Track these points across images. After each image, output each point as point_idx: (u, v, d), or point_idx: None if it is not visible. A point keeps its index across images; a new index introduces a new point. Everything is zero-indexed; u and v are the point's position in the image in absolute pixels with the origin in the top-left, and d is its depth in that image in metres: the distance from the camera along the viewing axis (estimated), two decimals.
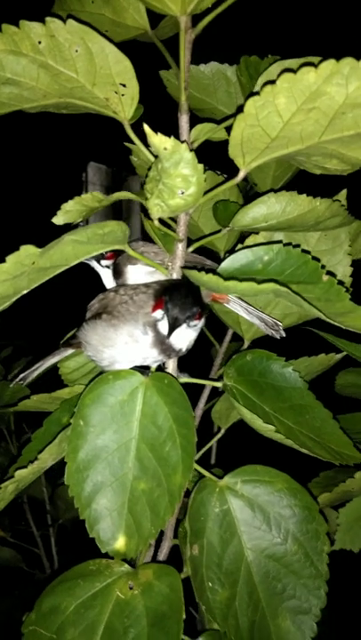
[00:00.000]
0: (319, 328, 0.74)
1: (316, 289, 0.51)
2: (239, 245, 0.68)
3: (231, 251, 0.68)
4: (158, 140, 0.49)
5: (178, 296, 0.51)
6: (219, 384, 0.62)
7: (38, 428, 1.09)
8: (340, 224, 0.65)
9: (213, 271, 0.59)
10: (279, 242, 0.56)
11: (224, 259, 0.70)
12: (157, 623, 0.48)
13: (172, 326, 0.51)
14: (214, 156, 0.64)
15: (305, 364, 0.71)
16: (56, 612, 0.52)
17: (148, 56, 0.70)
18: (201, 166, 0.51)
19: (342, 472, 0.82)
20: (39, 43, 0.51)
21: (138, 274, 0.61)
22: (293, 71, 0.44)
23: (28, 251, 0.47)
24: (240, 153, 0.53)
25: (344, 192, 0.70)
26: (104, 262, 0.62)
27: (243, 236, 0.70)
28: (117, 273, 0.62)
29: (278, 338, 0.68)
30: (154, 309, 0.53)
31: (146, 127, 0.48)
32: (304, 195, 0.59)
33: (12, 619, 1.10)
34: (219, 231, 0.64)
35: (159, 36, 0.67)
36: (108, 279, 0.63)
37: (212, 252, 0.78)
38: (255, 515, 0.55)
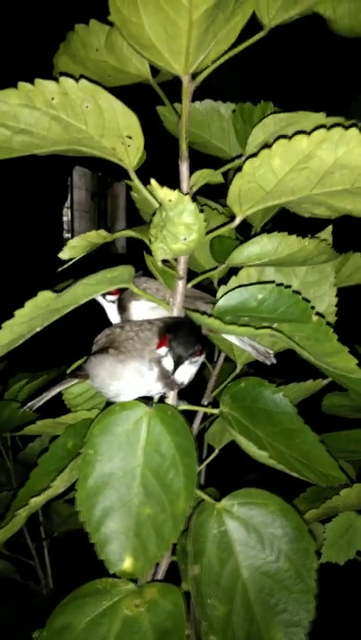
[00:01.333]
0: None
1: (307, 328, 0.56)
2: (233, 278, 0.72)
3: (224, 280, 0.73)
4: (164, 193, 0.53)
5: (181, 334, 0.56)
6: (215, 411, 0.67)
7: (31, 442, 1.12)
8: (327, 260, 0.69)
9: (213, 305, 0.64)
10: (272, 282, 0.61)
11: (218, 286, 0.74)
12: (162, 638, 0.52)
13: (177, 363, 0.55)
14: None
15: (294, 389, 0.75)
16: (67, 630, 0.55)
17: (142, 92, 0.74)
18: (202, 216, 0.55)
19: (328, 488, 0.88)
20: (52, 99, 0.55)
21: (141, 309, 0.65)
22: (288, 137, 0.49)
23: (45, 296, 0.51)
24: (237, 203, 0.57)
25: (330, 228, 0.75)
26: (109, 297, 0.66)
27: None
28: (122, 308, 0.66)
29: (269, 364, 0.73)
30: (158, 346, 0.57)
31: (153, 182, 0.53)
32: (294, 235, 0.64)
33: (11, 627, 1.13)
34: (215, 267, 0.68)
35: (158, 80, 0.71)
36: (112, 313, 0.67)
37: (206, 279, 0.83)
38: (250, 535, 0.59)
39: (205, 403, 0.84)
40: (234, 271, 0.72)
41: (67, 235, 5.80)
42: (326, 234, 0.74)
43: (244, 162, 0.51)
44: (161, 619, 0.54)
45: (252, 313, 0.60)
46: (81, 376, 0.63)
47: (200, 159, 0.73)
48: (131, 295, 0.65)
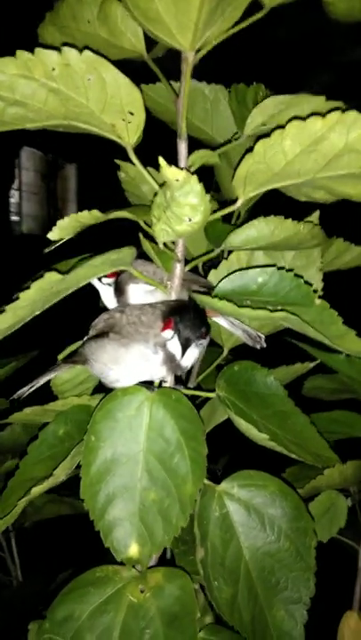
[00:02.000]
0: (292, 338, 0.80)
1: (311, 311, 0.56)
2: (223, 262, 0.72)
3: (214, 264, 0.73)
4: (172, 173, 0.52)
5: (187, 317, 0.55)
6: (212, 395, 0.66)
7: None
8: (317, 245, 0.70)
9: (209, 292, 0.63)
10: (272, 265, 0.61)
11: (208, 270, 0.74)
12: (171, 623, 0.52)
13: (185, 346, 0.55)
14: None
15: (283, 372, 0.76)
16: (70, 620, 0.54)
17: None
18: (208, 197, 0.54)
19: (306, 468, 0.90)
20: (53, 70, 0.52)
21: (139, 292, 0.63)
22: (302, 118, 0.49)
23: (50, 277, 0.49)
24: (242, 184, 0.57)
25: (317, 213, 0.75)
26: (106, 280, 0.64)
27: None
28: (119, 291, 0.64)
29: (259, 348, 0.73)
30: (163, 329, 0.56)
31: (162, 161, 0.51)
32: (289, 220, 0.64)
33: None
34: (212, 250, 0.67)
35: (151, 56, 0.69)
36: (108, 296, 0.65)
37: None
38: (251, 516, 0.60)
39: (190, 387, 0.84)
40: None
41: (14, 217, 5.61)
42: (314, 218, 0.75)
43: (255, 143, 0.51)
44: (168, 603, 0.53)
45: (252, 296, 0.60)
46: (77, 362, 0.61)
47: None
48: (129, 278, 0.64)
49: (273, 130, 0.50)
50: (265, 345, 0.73)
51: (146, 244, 0.63)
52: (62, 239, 0.60)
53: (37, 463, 0.65)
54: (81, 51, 0.51)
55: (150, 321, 0.57)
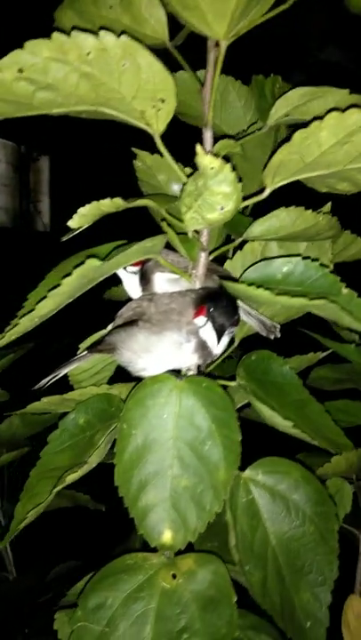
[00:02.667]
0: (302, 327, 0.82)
1: (338, 300, 0.57)
2: (238, 252, 0.72)
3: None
4: (208, 161, 0.52)
5: (220, 304, 0.55)
6: (233, 383, 0.67)
7: None
8: (333, 235, 0.72)
9: (233, 279, 0.64)
10: (297, 255, 0.62)
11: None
12: (208, 607, 0.52)
13: (220, 333, 0.55)
14: None
15: (297, 361, 0.78)
16: (103, 608, 0.54)
17: None
18: (240, 185, 0.55)
19: (311, 456, 0.92)
20: (88, 54, 0.52)
21: (163, 281, 0.63)
22: (341, 110, 0.49)
23: (90, 264, 0.49)
24: (272, 174, 0.57)
25: (329, 205, 0.77)
26: (131, 269, 0.64)
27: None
28: (144, 279, 0.64)
29: (272, 338, 0.74)
30: (195, 316, 0.56)
31: (199, 148, 0.51)
32: (310, 210, 0.65)
33: None
34: (232, 240, 0.68)
35: (173, 44, 0.69)
36: (133, 285, 0.65)
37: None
38: (276, 502, 0.61)
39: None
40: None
41: None
42: (326, 209, 0.76)
43: (293, 134, 0.51)
44: (202, 588, 0.54)
45: (278, 286, 0.61)
46: (104, 350, 0.60)
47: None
48: (155, 266, 0.63)
49: (309, 121, 0.50)
50: (279, 335, 0.74)
51: (170, 233, 0.63)
52: (81, 227, 0.60)
53: (59, 452, 0.64)
54: (118, 35, 0.51)
55: (182, 309, 0.57)
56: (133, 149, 0.73)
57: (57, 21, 0.70)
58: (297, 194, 0.67)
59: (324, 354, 0.80)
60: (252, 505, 0.60)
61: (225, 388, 0.72)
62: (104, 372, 0.73)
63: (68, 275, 0.48)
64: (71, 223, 0.58)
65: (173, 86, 0.55)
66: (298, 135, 0.51)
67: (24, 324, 0.50)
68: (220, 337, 0.56)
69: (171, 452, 0.56)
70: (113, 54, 0.52)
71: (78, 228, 0.60)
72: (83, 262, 0.48)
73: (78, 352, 0.66)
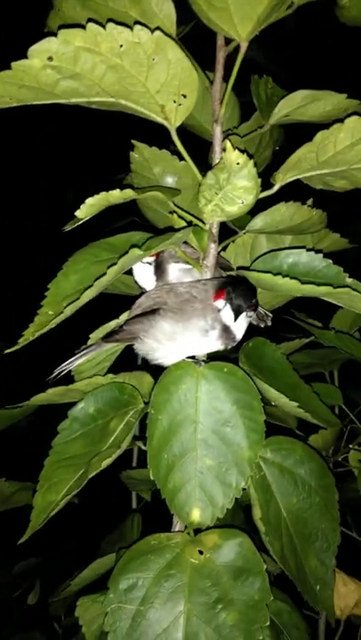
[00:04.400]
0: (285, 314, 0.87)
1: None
2: (231, 245, 0.76)
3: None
4: (235, 156, 0.54)
5: (239, 287, 0.58)
6: None
7: None
8: (321, 229, 0.77)
9: (231, 270, 0.67)
10: (302, 247, 0.66)
11: None
12: (239, 577, 0.56)
13: (237, 312, 0.58)
14: None
15: (285, 347, 0.82)
16: (135, 588, 0.56)
17: None
18: (260, 180, 0.58)
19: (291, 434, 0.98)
20: (120, 46, 0.52)
21: (177, 271, 0.65)
22: (360, 114, 0.54)
23: (134, 253, 0.50)
24: (286, 170, 0.61)
25: (310, 200, 0.82)
26: (146, 259, 0.65)
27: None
28: (159, 270, 0.65)
29: (263, 327, 0.79)
30: (214, 299, 0.59)
31: (228, 144, 0.54)
32: (305, 205, 0.70)
33: None
34: (235, 232, 0.71)
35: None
36: (146, 275, 0.66)
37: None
38: (284, 477, 0.65)
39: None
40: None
41: None
42: (308, 203, 0.81)
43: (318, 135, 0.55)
44: (230, 560, 0.57)
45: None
46: (122, 339, 0.61)
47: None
48: (170, 257, 0.65)
49: (333, 122, 0.54)
50: (270, 324, 0.79)
51: (182, 225, 0.65)
52: (86, 217, 0.61)
53: (71, 441, 0.64)
54: (152, 30, 0.52)
55: (204, 297, 0.59)
56: (133, 141, 0.74)
57: (57, 9, 0.69)
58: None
59: (307, 340, 0.86)
60: (265, 480, 0.64)
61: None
62: (105, 363, 0.73)
63: (114, 264, 0.49)
64: (78, 213, 0.59)
65: (197, 83, 0.57)
66: (320, 135, 0.55)
67: (66, 312, 0.51)
68: (237, 316, 0.59)
69: (194, 435, 0.58)
70: (146, 48, 0.53)
71: (83, 218, 0.60)
72: (127, 252, 0.49)
73: (89, 342, 0.67)
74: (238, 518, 0.77)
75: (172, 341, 0.59)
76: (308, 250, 0.66)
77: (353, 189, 0.69)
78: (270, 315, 0.77)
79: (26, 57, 0.51)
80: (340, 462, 1.00)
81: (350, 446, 0.94)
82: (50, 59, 0.52)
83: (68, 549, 1.43)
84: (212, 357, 0.69)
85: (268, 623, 0.53)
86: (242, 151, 0.55)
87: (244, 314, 0.60)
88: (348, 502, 1.07)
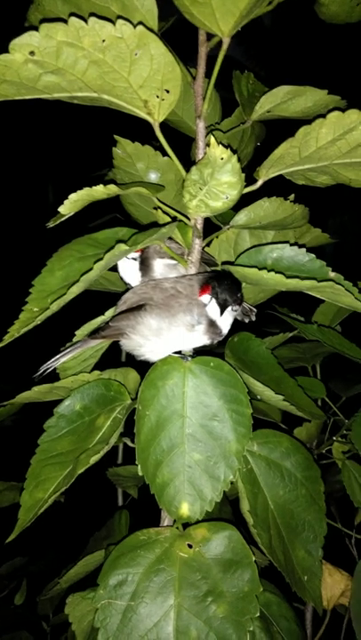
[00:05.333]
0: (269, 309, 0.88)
1: (343, 283, 0.63)
2: (215, 240, 0.76)
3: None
4: (220, 151, 0.55)
5: (223, 282, 0.59)
6: None
7: None
8: (303, 224, 0.78)
9: (230, 264, 0.67)
10: (286, 242, 0.67)
11: None
12: (228, 569, 0.56)
13: (223, 306, 0.58)
14: None
15: (269, 341, 0.83)
16: (125, 584, 0.56)
17: None
18: (243, 175, 0.58)
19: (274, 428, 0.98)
20: (103, 41, 0.52)
21: (163, 266, 0.65)
22: (342, 110, 0.55)
23: (121, 248, 0.50)
24: (269, 166, 0.61)
25: (292, 196, 0.83)
26: (131, 255, 0.65)
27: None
28: (144, 265, 0.65)
29: (247, 322, 0.79)
30: (201, 294, 0.59)
31: (212, 139, 0.54)
32: (288, 201, 0.70)
33: None
34: (219, 228, 0.71)
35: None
36: (131, 271, 0.66)
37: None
38: (271, 469, 0.66)
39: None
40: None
41: None
42: (290, 199, 0.82)
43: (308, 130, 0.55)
44: (219, 552, 0.57)
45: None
46: (109, 336, 0.61)
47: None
48: (156, 253, 0.65)
49: (315, 118, 0.55)
50: (254, 319, 0.79)
51: (166, 221, 0.65)
52: (70, 213, 0.60)
53: (58, 439, 0.64)
54: (135, 25, 0.52)
55: (189, 292, 0.60)
56: (115, 136, 0.74)
57: (37, 4, 0.68)
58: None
59: (291, 334, 0.87)
60: (252, 473, 0.65)
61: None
62: (91, 359, 0.73)
63: (100, 259, 0.49)
64: (62, 209, 0.59)
65: (180, 78, 0.57)
66: (302, 130, 0.56)
67: (52, 308, 0.50)
68: (223, 311, 0.59)
69: (182, 430, 0.59)
70: (128, 43, 0.53)
71: (66, 214, 0.60)
72: (113, 247, 0.49)
73: (75, 339, 0.66)
74: (225, 511, 0.77)
75: (159, 337, 0.59)
76: (292, 244, 0.66)
77: (333, 185, 0.70)
78: (255, 310, 0.78)
79: (7, 51, 0.51)
80: (323, 454, 1.01)
81: (334, 438, 0.95)
82: (32, 53, 0.52)
83: (54, 548, 1.43)
84: (199, 352, 0.69)
85: (259, 614, 0.53)
86: (225, 146, 0.55)
87: (229, 308, 0.60)
88: (331, 494, 1.09)
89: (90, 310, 0.71)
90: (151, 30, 0.54)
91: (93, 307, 0.71)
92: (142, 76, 0.56)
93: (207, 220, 0.70)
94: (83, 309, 0.71)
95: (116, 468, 0.92)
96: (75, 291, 0.50)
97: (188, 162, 0.68)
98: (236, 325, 0.80)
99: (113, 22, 0.52)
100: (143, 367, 0.68)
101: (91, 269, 0.49)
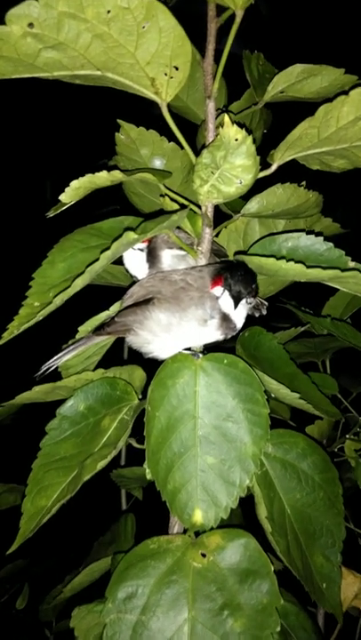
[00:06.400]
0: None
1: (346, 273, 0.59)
2: (223, 230, 0.72)
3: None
4: (234, 131, 0.51)
5: (237, 273, 0.55)
6: None
7: None
8: (316, 212, 0.74)
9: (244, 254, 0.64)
10: (302, 230, 0.63)
11: None
12: (245, 580, 0.52)
13: (237, 299, 0.54)
14: None
15: (280, 336, 0.79)
16: (135, 596, 0.52)
17: None
18: (258, 158, 0.54)
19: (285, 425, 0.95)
20: (108, 12, 0.48)
21: (171, 257, 0.61)
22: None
23: (129, 237, 0.46)
24: (285, 148, 0.57)
25: (304, 183, 0.79)
26: (138, 246, 0.61)
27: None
28: (151, 256, 0.61)
29: (258, 316, 0.75)
30: (212, 287, 0.55)
31: (226, 118, 0.50)
32: (302, 187, 0.66)
33: None
34: (228, 217, 0.67)
35: None
36: (138, 262, 0.62)
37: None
38: (287, 472, 0.62)
39: None
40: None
41: None
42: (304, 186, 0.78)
43: (318, 108, 0.52)
44: (235, 562, 0.54)
45: None
46: (114, 332, 0.57)
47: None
48: (164, 243, 0.61)
49: (336, 96, 0.51)
50: (265, 313, 0.75)
51: (174, 208, 0.61)
52: (71, 202, 0.56)
53: (61, 441, 0.61)
54: None
55: (200, 284, 0.56)
56: (119, 121, 0.69)
57: None
58: None
59: (303, 328, 0.83)
60: (267, 476, 0.61)
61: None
62: (94, 357, 0.69)
63: (107, 249, 0.45)
64: (63, 197, 0.55)
65: (190, 54, 0.53)
66: (322, 109, 0.52)
67: (56, 302, 0.46)
68: (237, 303, 0.55)
69: (194, 432, 0.55)
70: (135, 14, 0.49)
71: (68, 203, 0.56)
72: (120, 236, 0.45)
73: (78, 335, 0.62)
74: (235, 514, 0.74)
75: (168, 333, 0.55)
76: (308, 232, 0.62)
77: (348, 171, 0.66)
78: (266, 303, 0.74)
79: (3, 23, 0.47)
80: (335, 452, 0.98)
81: (346, 436, 0.91)
82: (30, 25, 0.48)
83: (56, 549, 1.39)
84: (209, 349, 0.65)
85: (280, 628, 0.50)
86: (241, 126, 0.51)
87: (244, 300, 0.56)
88: (344, 492, 1.06)
89: (90, 307, 0.67)
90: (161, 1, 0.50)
91: (94, 303, 0.67)
92: (150, 51, 0.52)
93: (216, 209, 0.66)
94: (83, 305, 0.67)
95: (120, 470, 0.88)
96: (80, 283, 0.46)
97: (193, 149, 0.64)
98: (246, 320, 0.77)
99: None
100: (149, 365, 0.64)
101: (97, 260, 0.45)
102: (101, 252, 0.45)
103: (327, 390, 0.94)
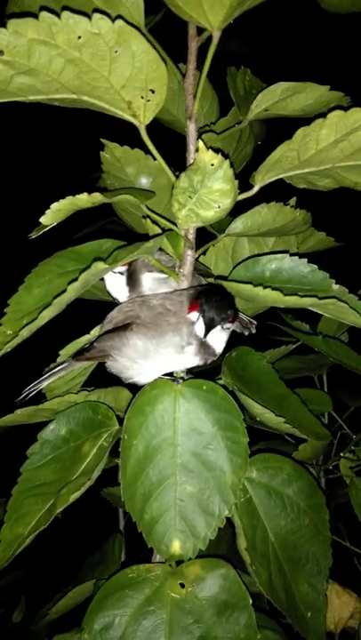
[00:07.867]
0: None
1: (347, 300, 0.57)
2: (211, 248, 0.71)
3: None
4: (209, 157, 0.50)
5: (212, 298, 0.54)
6: (221, 382, 0.66)
7: None
8: (305, 230, 0.73)
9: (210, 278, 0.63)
10: (285, 252, 0.62)
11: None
12: (223, 612, 0.52)
13: (209, 326, 0.53)
14: None
15: (270, 354, 0.78)
16: (112, 627, 0.52)
17: None
18: (237, 182, 0.53)
19: (277, 444, 0.94)
20: (78, 38, 0.47)
21: (152, 281, 0.60)
22: (344, 109, 0.49)
23: (98, 267, 0.45)
24: (265, 170, 0.56)
25: (294, 199, 0.77)
26: (117, 269, 0.60)
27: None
28: (131, 279, 0.61)
29: (247, 334, 0.74)
30: (189, 311, 0.54)
31: (201, 144, 0.49)
32: (288, 206, 0.65)
33: None
34: (215, 237, 0.66)
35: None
36: (118, 285, 0.61)
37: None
38: (271, 498, 0.61)
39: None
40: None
41: None
42: (291, 202, 0.77)
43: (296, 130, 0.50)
44: (214, 593, 0.53)
45: (266, 283, 0.60)
46: (93, 358, 0.57)
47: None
48: (144, 266, 0.60)
49: (314, 118, 0.50)
50: (254, 331, 0.74)
51: (156, 231, 0.60)
52: (52, 224, 0.56)
53: (41, 467, 0.60)
54: (113, 20, 0.47)
55: (178, 309, 0.55)
56: (102, 140, 0.69)
57: None
58: None
59: (294, 346, 0.82)
60: (250, 503, 0.60)
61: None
62: (79, 378, 0.69)
63: (75, 280, 0.44)
64: (43, 219, 0.54)
65: (166, 77, 0.52)
66: (300, 132, 0.51)
67: (23, 334, 0.46)
68: (208, 331, 0.54)
69: (173, 460, 0.54)
70: (107, 39, 0.48)
71: (49, 225, 0.56)
72: (89, 266, 0.45)
73: (59, 359, 0.62)
74: (224, 535, 0.73)
75: (146, 359, 0.54)
76: (292, 254, 0.61)
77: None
78: (254, 322, 0.73)
79: None
80: (330, 469, 0.96)
81: (341, 454, 0.90)
82: (1, 53, 0.47)
83: (55, 563, 1.39)
84: (194, 372, 0.64)
85: None
86: (216, 151, 0.50)
87: (218, 327, 0.55)
88: (339, 508, 1.04)
89: (88, 315, 0.66)
90: (134, 26, 0.49)
91: (89, 311, 0.66)
92: (124, 75, 0.51)
93: (201, 228, 0.65)
94: (82, 311, 0.66)
95: (110, 489, 0.88)
96: (46, 315, 0.45)
97: (185, 165, 0.63)
98: (237, 338, 0.75)
99: (89, 17, 0.47)
100: (135, 386, 0.63)
101: (64, 291, 0.44)
102: (69, 283, 0.44)
103: (321, 408, 0.93)
